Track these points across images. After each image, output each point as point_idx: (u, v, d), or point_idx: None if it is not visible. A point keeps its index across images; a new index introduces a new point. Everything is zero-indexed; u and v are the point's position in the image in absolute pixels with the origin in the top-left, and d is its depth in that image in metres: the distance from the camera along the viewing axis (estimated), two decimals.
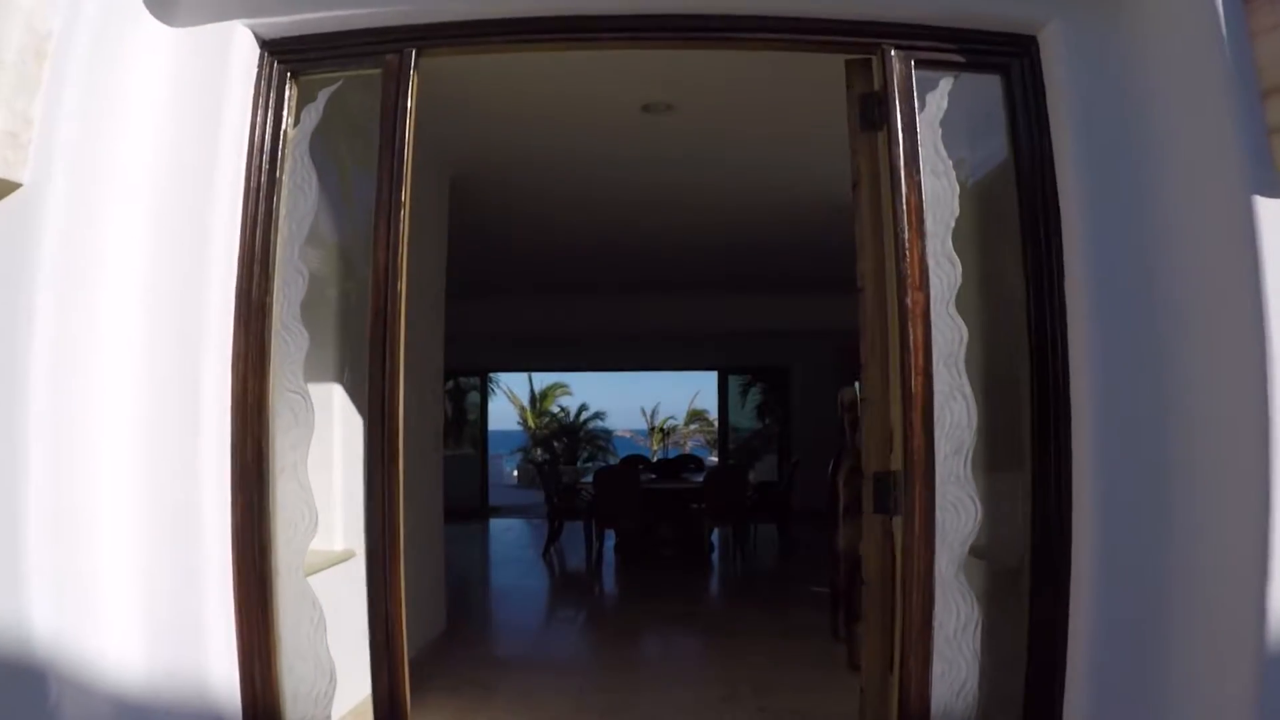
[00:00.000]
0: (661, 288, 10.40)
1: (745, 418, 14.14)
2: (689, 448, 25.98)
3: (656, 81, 4.32)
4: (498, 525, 12.85)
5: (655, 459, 24.36)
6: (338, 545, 3.83)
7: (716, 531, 9.32)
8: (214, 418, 2.45)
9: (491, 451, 27.33)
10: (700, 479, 9.67)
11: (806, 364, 13.17)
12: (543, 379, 23.54)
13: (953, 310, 2.42)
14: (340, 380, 3.89)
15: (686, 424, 26.83)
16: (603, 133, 4.99)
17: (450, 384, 14.26)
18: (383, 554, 2.34)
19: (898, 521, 2.42)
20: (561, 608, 7.35)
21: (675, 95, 4.43)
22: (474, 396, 14.91)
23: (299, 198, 2.55)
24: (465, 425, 14.32)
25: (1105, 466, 2.37)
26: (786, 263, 8.62)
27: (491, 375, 21.76)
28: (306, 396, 2.50)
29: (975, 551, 2.49)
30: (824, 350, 13.07)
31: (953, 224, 2.47)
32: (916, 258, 2.33)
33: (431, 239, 5.40)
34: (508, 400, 23.53)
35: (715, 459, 24.23)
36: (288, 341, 2.52)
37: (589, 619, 6.81)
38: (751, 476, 10.37)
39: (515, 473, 22.88)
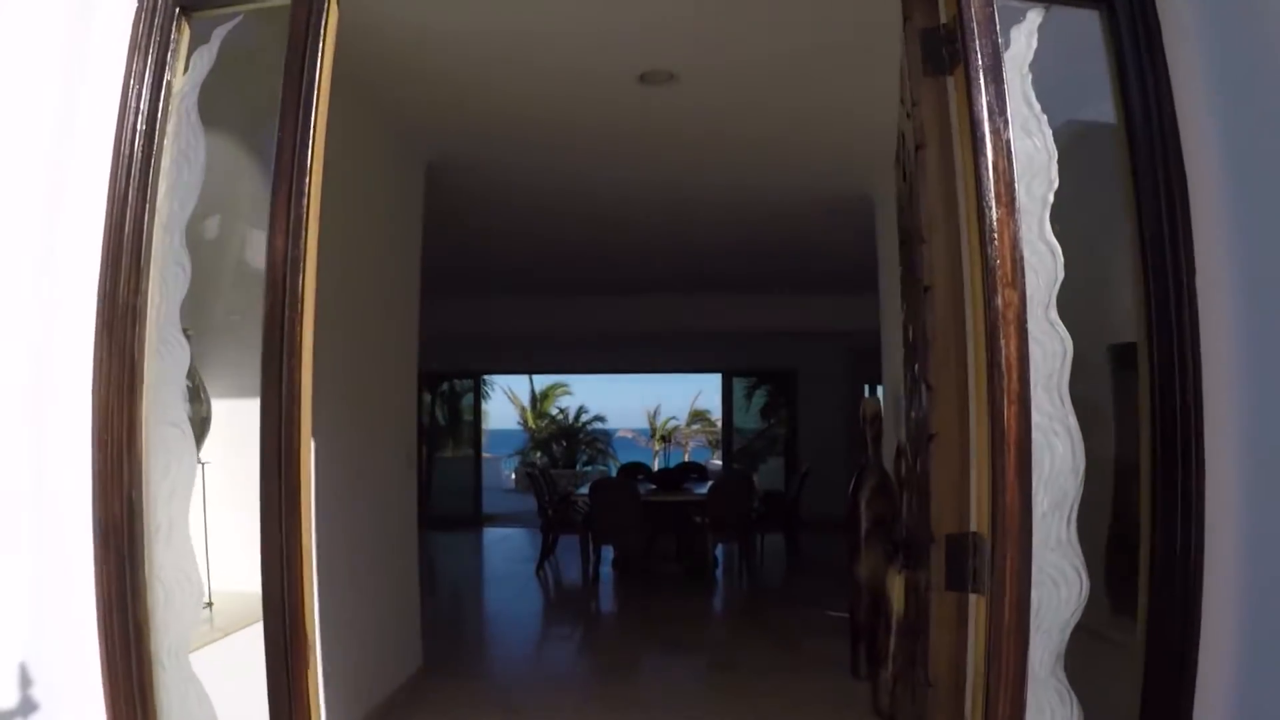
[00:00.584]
0: (662, 287, 9.77)
1: (750, 420, 13.52)
2: (690, 448, 25.52)
3: (655, 45, 3.70)
4: (492, 535, 12.23)
5: (656, 467, 23.94)
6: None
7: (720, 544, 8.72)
8: (67, 461, 1.84)
9: (492, 452, 26.83)
10: (703, 490, 9.05)
11: (814, 366, 12.55)
12: (543, 379, 22.98)
13: (1053, 315, 1.80)
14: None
15: (688, 424, 26.42)
16: (594, 109, 4.37)
17: (445, 386, 13.64)
18: (284, 651, 1.72)
19: (976, 600, 1.80)
20: (553, 638, 6.72)
21: (677, 60, 3.81)
22: (470, 399, 14.30)
23: (183, 169, 1.94)
24: (461, 428, 13.71)
25: (1253, 527, 1.76)
26: (798, 260, 8.00)
27: (487, 378, 21.23)
28: (186, 430, 1.89)
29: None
30: (832, 352, 12.47)
31: (1051, 198, 1.85)
32: (1008, 243, 1.71)
33: (403, 231, 4.79)
34: (509, 400, 22.98)
35: (717, 462, 23.69)
36: (165, 355, 1.90)
37: (581, 650, 6.20)
38: (756, 482, 9.75)
39: (513, 476, 22.28)
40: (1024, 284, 1.75)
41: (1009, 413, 1.70)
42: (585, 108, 4.33)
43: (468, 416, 25.82)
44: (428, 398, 13.53)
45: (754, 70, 3.99)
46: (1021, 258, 1.75)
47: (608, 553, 8.65)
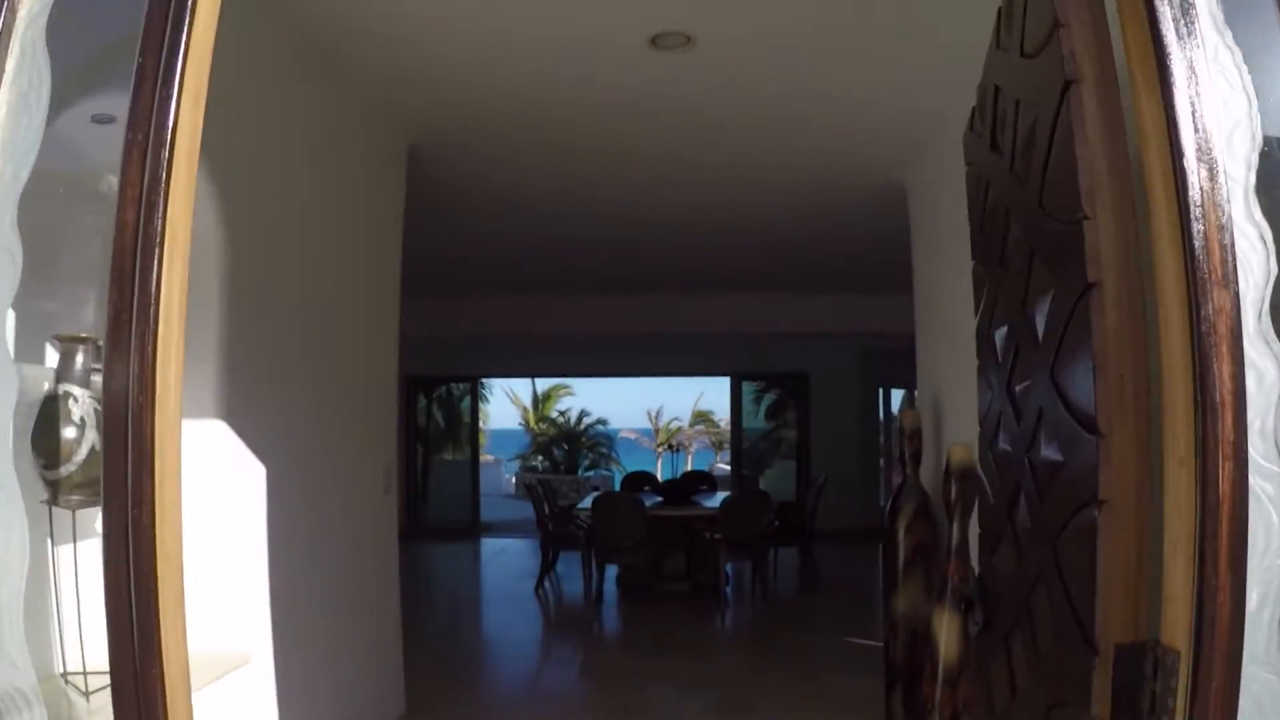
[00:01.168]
0: (669, 286, 9.22)
1: (757, 422, 12.95)
2: (694, 449, 25.01)
3: (670, 2, 3.16)
4: (490, 547, 11.69)
5: (660, 469, 23.45)
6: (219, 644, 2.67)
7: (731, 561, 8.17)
8: None
9: (493, 454, 26.29)
10: (714, 502, 8.50)
11: (826, 369, 12.00)
12: (544, 380, 22.49)
13: (1268, 326, 1.25)
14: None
15: (691, 425, 26.05)
16: (599, 77, 3.80)
17: (441, 390, 13.10)
18: None
19: None
20: (551, 671, 6.15)
21: (695, 22, 3.25)
22: (470, 403, 13.75)
23: (22, 120, 1.38)
24: (458, 434, 13.16)
25: None
26: (818, 257, 7.44)
27: (485, 381, 20.68)
28: (11, 485, 1.32)
29: None
30: (845, 354, 11.91)
31: (1255, 160, 1.29)
32: (1215, 223, 1.16)
33: (382, 220, 4.24)
34: (510, 401, 22.48)
35: (724, 466, 23.14)
36: None
37: (581, 687, 5.64)
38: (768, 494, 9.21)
39: (513, 479, 21.75)
40: (1237, 283, 1.19)
41: (1223, 473, 1.14)
42: (588, 76, 3.77)
43: (467, 420, 25.31)
44: (423, 402, 13.01)
45: (783, 40, 3.44)
46: (1233, 244, 1.19)
47: (612, 569, 8.11)
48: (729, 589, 8.07)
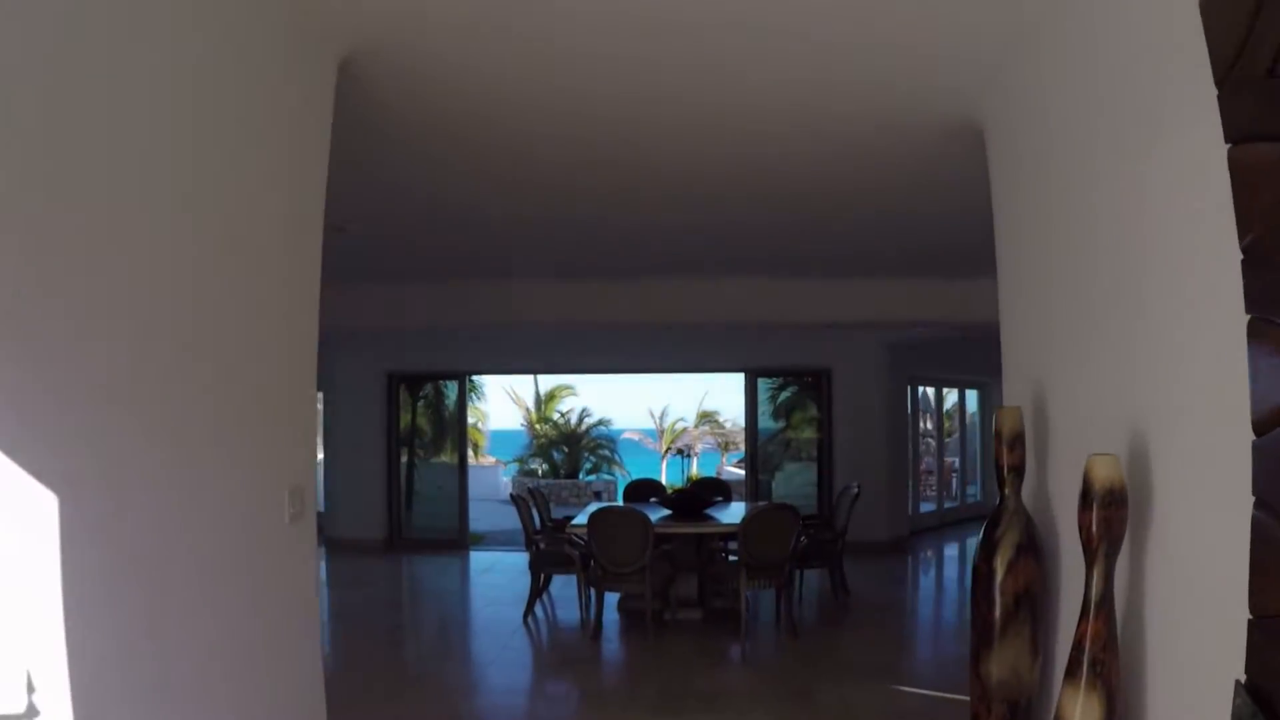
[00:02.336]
0: (675, 268, 8.08)
1: (772, 424, 11.77)
2: (698, 450, 24.16)
3: None
4: (479, 561, 10.56)
5: (664, 471, 22.31)
6: None
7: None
8: None
9: (493, 455, 25.19)
10: (729, 516, 7.35)
11: (850, 364, 10.85)
12: (547, 380, 21.54)
13: None
14: None
15: (696, 425, 25.37)
16: None
17: (429, 389, 11.97)
18: None
19: None
20: None
21: None
22: (471, 403, 12.62)
23: None
24: (446, 436, 12.01)
25: None
26: (857, 229, 6.28)
27: (482, 379, 19.57)
28: None
29: None
30: (870, 348, 10.77)
31: None
32: None
33: (298, 154, 3.10)
34: (513, 401, 21.52)
35: (733, 470, 22.04)
36: None
37: None
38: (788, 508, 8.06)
39: (509, 482, 20.70)
40: None
41: None
42: None
43: (472, 419, 24.31)
44: (408, 401, 11.89)
45: None
46: None
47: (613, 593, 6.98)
48: (748, 612, 6.91)
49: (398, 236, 6.72)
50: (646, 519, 6.20)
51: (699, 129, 4.38)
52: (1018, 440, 3.35)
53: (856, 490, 7.43)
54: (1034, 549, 3.27)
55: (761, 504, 7.24)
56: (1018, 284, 3.76)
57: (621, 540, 6.17)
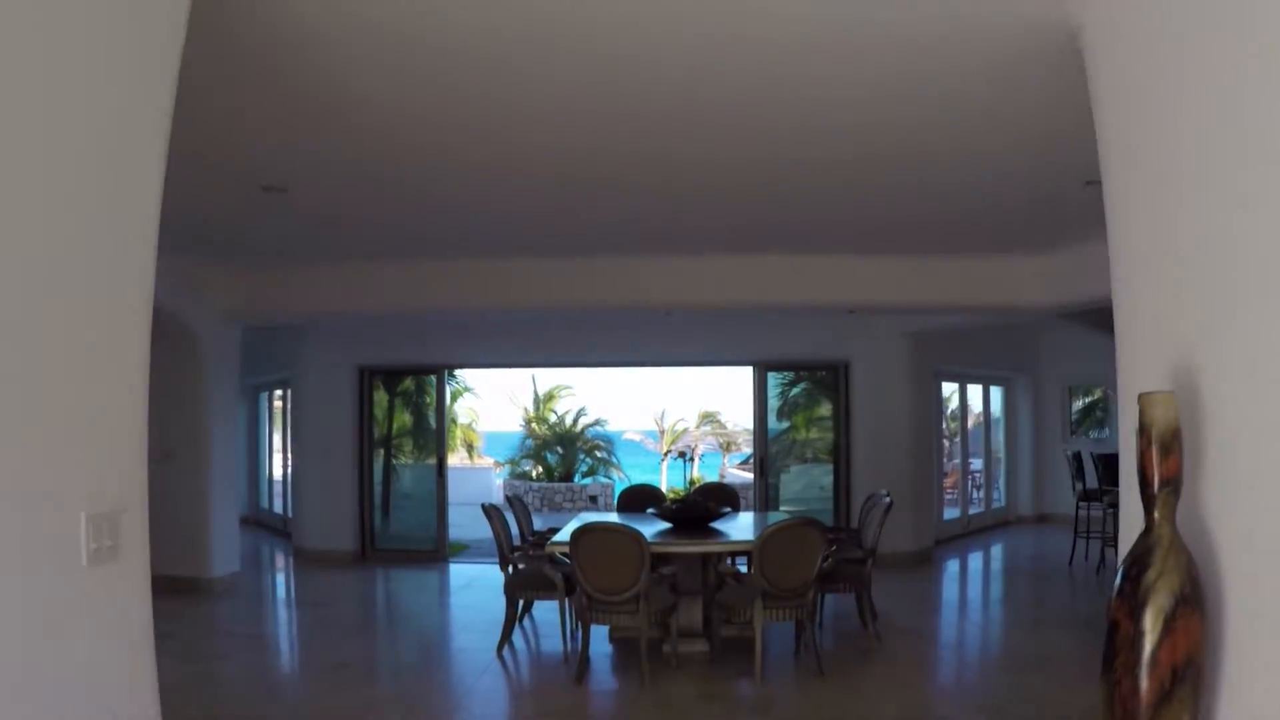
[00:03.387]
0: (676, 244, 7.06)
1: (779, 424, 10.69)
2: (700, 450, 23.41)
3: None
4: (458, 576, 9.50)
5: (665, 473, 21.29)
6: None
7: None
8: None
9: (492, 457, 24.16)
10: (739, 531, 6.30)
11: (873, 357, 9.79)
12: (546, 380, 20.63)
13: None
14: None
15: (697, 425, 24.76)
16: None
17: (409, 384, 10.92)
18: None
19: None
20: None
21: None
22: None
23: None
24: (426, 435, 10.94)
25: None
26: (887, 192, 5.22)
27: (479, 376, 18.53)
28: None
29: None
30: (893, 338, 9.72)
31: None
32: None
33: (110, 73, 2.06)
34: (511, 403, 20.63)
35: (740, 473, 21.03)
36: None
37: None
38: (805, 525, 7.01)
39: (503, 485, 19.69)
40: None
41: None
42: None
43: (466, 419, 23.32)
44: (384, 398, 10.85)
45: None
46: None
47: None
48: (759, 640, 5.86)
49: (354, 205, 5.68)
50: (641, 538, 5.14)
51: (705, 46, 3.33)
52: (1174, 441, 2.26)
53: (889, 500, 6.36)
54: (1198, 601, 2.22)
55: (782, 517, 6.17)
56: (1142, 230, 2.68)
57: (611, 563, 5.12)
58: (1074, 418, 13.26)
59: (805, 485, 10.53)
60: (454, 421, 22.54)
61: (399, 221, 6.25)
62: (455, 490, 15.79)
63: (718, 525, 6.31)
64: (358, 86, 3.69)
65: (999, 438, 13.15)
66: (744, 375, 10.45)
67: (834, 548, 5.86)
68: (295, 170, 4.98)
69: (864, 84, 3.70)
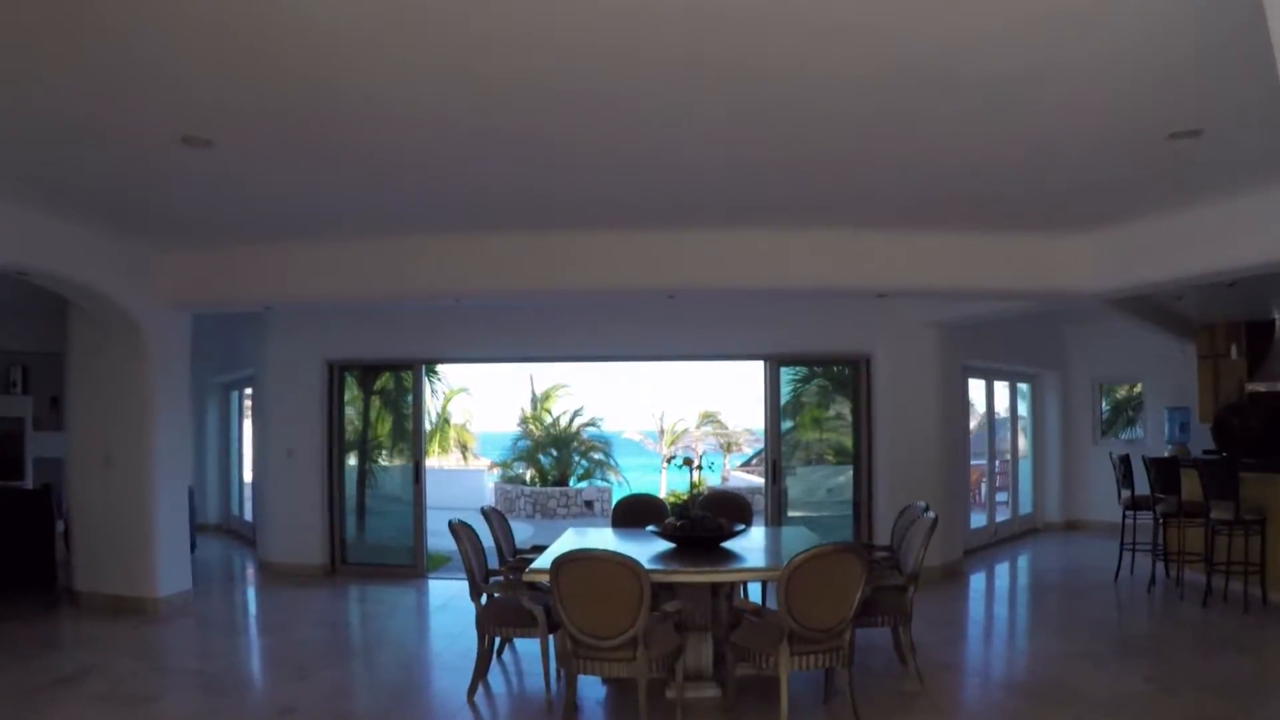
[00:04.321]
0: (677, 215, 6.13)
1: (788, 423, 9.71)
2: (701, 451, 22.69)
3: None
4: (437, 594, 8.53)
5: (665, 475, 20.34)
6: None
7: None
8: None
9: (487, 458, 23.21)
10: (754, 554, 5.35)
11: (897, 351, 8.83)
12: (544, 380, 19.76)
13: None
14: None
15: (698, 425, 24.05)
16: None
17: (388, 381, 9.96)
18: None
19: None
20: None
21: None
22: (414, 397, 10.59)
23: None
24: (405, 436, 9.96)
25: None
26: (930, 150, 4.26)
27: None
28: None
29: None
30: (919, 330, 8.77)
31: None
32: None
33: None
34: (507, 399, 19.82)
35: (748, 477, 20.10)
36: None
37: None
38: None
39: (494, 487, 18.78)
40: None
41: None
42: None
43: (460, 419, 22.35)
44: (358, 396, 9.89)
45: None
46: None
47: None
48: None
49: (290, 167, 4.73)
50: (638, 569, 4.16)
51: None
52: None
53: (932, 515, 5.40)
54: None
55: (799, 532, 5.20)
56: None
57: (602, 601, 4.14)
58: (1103, 417, 12.35)
59: (809, 488, 9.57)
60: (447, 421, 21.61)
61: (353, 191, 5.30)
62: (443, 494, 14.82)
63: (730, 546, 5.36)
64: (289, 18, 2.75)
65: (1025, 439, 12.21)
66: (747, 373, 9.49)
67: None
68: (217, 119, 4.04)
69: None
